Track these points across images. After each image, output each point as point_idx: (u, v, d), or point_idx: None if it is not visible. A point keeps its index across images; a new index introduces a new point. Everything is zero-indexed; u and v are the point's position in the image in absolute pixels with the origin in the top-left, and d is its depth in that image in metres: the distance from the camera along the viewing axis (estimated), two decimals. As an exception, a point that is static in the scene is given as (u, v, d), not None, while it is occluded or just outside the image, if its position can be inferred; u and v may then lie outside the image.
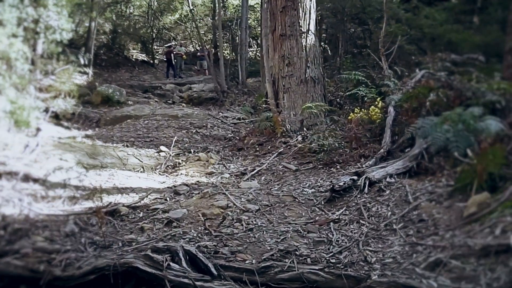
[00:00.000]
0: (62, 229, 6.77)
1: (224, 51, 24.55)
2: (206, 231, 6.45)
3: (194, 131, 13.46)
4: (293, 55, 11.61)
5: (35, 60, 17.78)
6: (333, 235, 6.10)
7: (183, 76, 22.54)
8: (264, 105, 12.48)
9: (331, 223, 6.43)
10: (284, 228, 6.47)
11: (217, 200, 7.44)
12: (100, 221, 6.45)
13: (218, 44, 20.78)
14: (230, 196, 7.56)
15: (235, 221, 6.75)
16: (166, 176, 9.92)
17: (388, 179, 7.26)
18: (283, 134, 10.94)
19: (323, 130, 10.14)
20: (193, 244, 6.02)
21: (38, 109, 14.81)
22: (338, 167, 8.66)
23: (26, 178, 8.50)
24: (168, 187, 9.09)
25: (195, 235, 6.35)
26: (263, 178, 9.16)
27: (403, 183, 7.06)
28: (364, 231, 6.06)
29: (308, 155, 9.58)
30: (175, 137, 12.11)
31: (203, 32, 25.67)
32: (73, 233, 6.61)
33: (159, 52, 25.52)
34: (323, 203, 7.19)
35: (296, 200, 7.42)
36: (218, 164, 10.45)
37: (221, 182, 9.17)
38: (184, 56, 23.00)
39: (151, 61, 24.59)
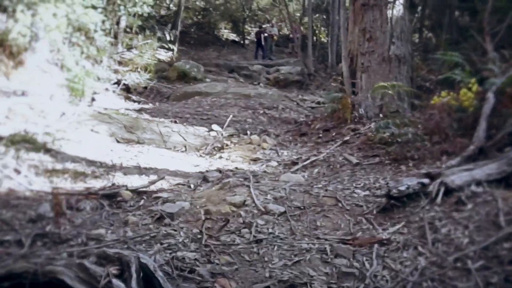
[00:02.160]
0: (33, 211, 5.08)
1: (320, 34, 22.30)
2: (199, 236, 4.44)
3: (261, 112, 11.46)
4: (375, 28, 9.18)
5: (118, 34, 16.70)
6: (371, 265, 3.85)
7: (273, 58, 20.56)
8: (338, 85, 10.20)
9: (376, 245, 4.16)
10: (307, 244, 4.29)
11: (235, 194, 5.38)
12: (56, 207, 4.64)
13: (309, 25, 18.55)
14: (254, 191, 5.47)
15: (244, 225, 4.68)
16: (206, 158, 8.02)
17: (473, 187, 4.78)
18: (355, 120, 8.62)
19: (401, 117, 7.70)
20: (168, 253, 4.04)
21: (108, 81, 13.65)
22: (410, 164, 6.25)
23: (39, 148, 6.97)
24: (199, 172, 7.19)
25: (181, 239, 4.36)
26: (315, 170, 6.97)
27: (494, 195, 4.57)
28: (420, 265, 3.74)
29: (377, 147, 7.21)
30: (231, 116, 10.13)
31: (298, 15, 23.56)
32: (41, 218, 4.87)
33: (251, 34, 23.68)
34: (374, 212, 4.90)
35: (340, 204, 5.18)
36: (270, 149, 8.38)
37: (264, 171, 7.13)
38: (275, 38, 20.98)
39: (241, 42, 22.85)
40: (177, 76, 15.54)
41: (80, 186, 6.20)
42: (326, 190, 5.61)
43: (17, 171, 6.17)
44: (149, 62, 15.48)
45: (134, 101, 12.67)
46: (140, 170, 6.98)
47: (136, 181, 6.57)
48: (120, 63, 15.59)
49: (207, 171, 7.18)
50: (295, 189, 5.67)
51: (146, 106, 11.63)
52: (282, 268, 3.83)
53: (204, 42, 20.83)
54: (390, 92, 7.67)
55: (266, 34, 20.56)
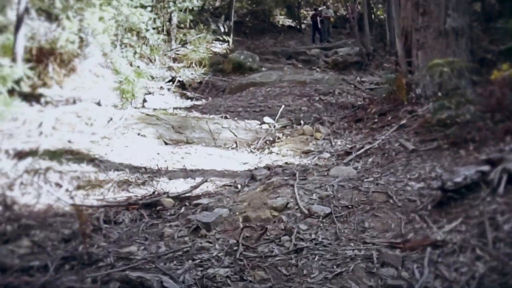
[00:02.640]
0: (68, 229, 4.92)
1: (378, 11, 21.32)
2: (235, 248, 4.09)
3: (317, 98, 10.94)
4: (429, 1, 8.39)
5: (170, 30, 16.61)
6: (422, 274, 3.34)
7: (331, 40, 19.83)
8: (392, 66, 9.50)
9: (428, 248, 3.64)
10: (352, 251, 3.82)
11: (277, 196, 4.97)
12: (81, 227, 4.41)
13: (365, 3, 17.69)
14: (298, 191, 5.03)
15: (284, 232, 4.27)
16: (256, 154, 7.66)
17: (544, 174, 4.16)
18: (412, 101, 7.95)
19: (460, 95, 6.97)
20: (200, 270, 3.71)
21: (163, 79, 13.57)
22: (470, 148, 5.57)
23: (82, 158, 6.86)
24: (247, 170, 6.85)
25: (215, 253, 4.02)
26: (370, 160, 6.42)
27: None
28: (479, 271, 3.20)
29: (435, 130, 6.54)
30: (282, 106, 9.67)
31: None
32: (76, 237, 4.69)
33: (307, 18, 22.95)
34: (429, 207, 4.34)
35: (391, 200, 4.65)
36: (323, 139, 7.89)
37: (315, 165, 6.68)
38: (331, 19, 20.19)
39: (298, 26, 22.20)
40: (232, 68, 15.25)
41: (122, 196, 6.03)
42: (377, 185, 5.08)
43: (59, 185, 6.08)
44: (203, 56, 15.30)
45: (188, 98, 12.50)
46: (186, 173, 6.73)
47: (181, 186, 6.33)
48: (174, 59, 15.52)
49: (255, 168, 6.83)
50: (343, 185, 5.18)
51: (198, 102, 11.40)
52: (321, 283, 3.40)
53: (259, 31, 20.41)
54: (445, 69, 6.95)
55: (322, 17, 19.86)
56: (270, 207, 4.70)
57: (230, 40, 18.17)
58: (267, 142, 8.18)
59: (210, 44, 17.20)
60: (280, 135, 8.33)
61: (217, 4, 21.19)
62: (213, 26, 18.33)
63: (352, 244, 3.97)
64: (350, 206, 4.65)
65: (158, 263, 3.91)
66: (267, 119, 9.09)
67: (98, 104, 9.18)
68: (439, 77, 7.81)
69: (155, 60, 14.32)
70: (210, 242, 4.25)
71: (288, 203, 4.79)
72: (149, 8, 12.96)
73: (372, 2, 20.24)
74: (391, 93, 8.43)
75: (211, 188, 6.23)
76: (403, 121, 7.38)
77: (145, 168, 6.82)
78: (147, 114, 8.72)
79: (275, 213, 4.60)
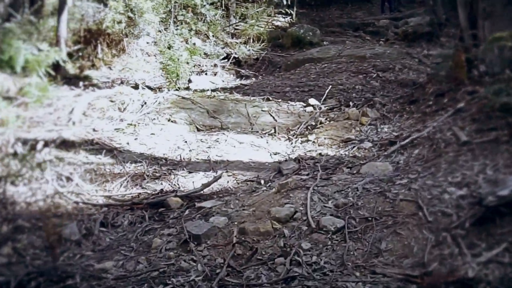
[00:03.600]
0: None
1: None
2: (218, 271, 3.36)
3: (374, 75, 9.85)
4: (499, -41, 7.12)
5: (228, 5, 15.87)
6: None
7: (402, 9, 18.25)
8: (455, 39, 8.25)
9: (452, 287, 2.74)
10: (355, 284, 3.00)
11: (287, 203, 4.18)
12: (49, 238, 3.84)
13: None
14: (312, 196, 4.20)
15: (281, 252, 3.49)
16: (292, 142, 6.84)
17: None
18: (475, 80, 6.77)
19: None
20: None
21: (217, 56, 12.93)
22: (535, 142, 4.51)
23: (101, 149, 6.36)
24: (276, 162, 6.08)
25: (193, 276, 3.32)
26: (415, 152, 5.46)
27: None
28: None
29: (497, 116, 5.43)
30: (329, 87, 8.70)
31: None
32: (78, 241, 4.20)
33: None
34: (467, 225, 3.40)
35: (421, 213, 3.72)
36: (370, 124, 6.92)
37: (353, 156, 5.80)
38: (402, -14, 18.59)
39: (367, -5, 20.68)
40: (291, 43, 14.27)
41: (133, 192, 5.46)
42: (409, 189, 4.13)
43: (70, 179, 5.60)
44: (261, 31, 14.47)
45: (241, 76, 11.76)
46: (210, 165, 6.06)
47: (199, 180, 5.67)
48: (233, 35, 14.81)
49: (286, 160, 6.04)
50: (369, 189, 4.28)
51: (248, 81, 10.62)
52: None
53: (325, 2, 19.09)
54: (510, 44, 5.76)
55: (392, -18, 18.30)
56: (273, 217, 3.92)
57: (293, 12, 17.13)
58: (309, 127, 7.32)
59: (272, 17, 16.31)
60: (323, 119, 7.42)
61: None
62: (274, -1, 17.35)
63: (358, 274, 3.13)
64: (369, 219, 3.78)
65: (128, 284, 3.28)
66: (312, 100, 8.16)
67: (136, 87, 8.66)
68: (509, 50, 6.59)
69: (213, 36, 13.69)
70: (194, 261, 3.56)
71: (296, 212, 3.98)
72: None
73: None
74: (452, 70, 7.28)
75: (231, 183, 5.53)
76: (461, 105, 6.27)
77: (165, 159, 6.21)
78: (183, 97, 8.07)
79: (278, 225, 3.82)
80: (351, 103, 8.01)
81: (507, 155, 4.37)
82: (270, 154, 6.38)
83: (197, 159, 6.27)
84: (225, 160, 6.20)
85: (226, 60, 12.61)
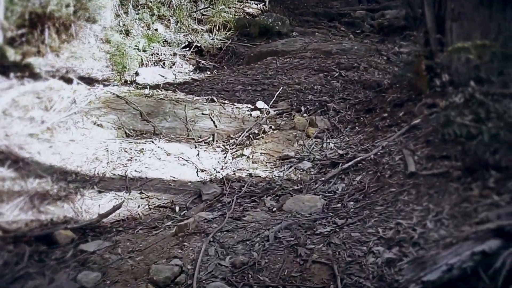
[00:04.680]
0: None
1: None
2: None
3: (336, 74, 8.99)
4: (470, -45, 6.25)
5: (196, -11, 14.84)
6: None
7: (380, 0, 17.38)
8: (419, 41, 7.41)
9: None
10: None
11: (175, 256, 3.35)
12: None
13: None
14: (208, 248, 3.37)
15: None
16: (225, 156, 5.99)
17: None
18: (436, 90, 5.95)
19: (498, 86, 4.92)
20: None
21: (177, 45, 12.00)
22: (491, 180, 3.69)
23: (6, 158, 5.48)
24: (201, 182, 5.26)
25: None
26: (357, 179, 4.67)
27: None
28: None
29: (454, 140, 4.61)
30: (280, 88, 7.84)
31: None
32: None
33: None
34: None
35: (336, 280, 2.92)
36: (316, 137, 6.09)
37: (286, 179, 5.00)
38: (381, -25, 17.65)
39: (344, -16, 19.73)
40: (258, 32, 13.32)
41: (26, 218, 4.61)
42: (329, 245, 3.32)
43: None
44: (229, 18, 13.50)
45: (199, 68, 10.85)
46: (125, 183, 5.22)
47: (108, 204, 4.84)
48: (200, 21, 13.85)
49: (210, 181, 5.21)
50: (281, 240, 3.45)
51: (200, 76, 9.72)
52: None
53: (301, -12, 18.22)
54: (471, 56, 4.93)
55: (371, -29, 17.39)
56: (151, 279, 3.09)
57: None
58: (251, 135, 6.49)
59: (244, 3, 15.33)
60: (268, 127, 6.58)
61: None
62: (243, -16, 16.33)
63: None
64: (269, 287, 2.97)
65: None
66: (260, 104, 7.30)
67: (68, 81, 7.73)
68: (478, 58, 5.76)
69: (176, 22, 12.73)
70: None
71: (181, 272, 3.15)
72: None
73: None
74: (410, 79, 6.49)
75: (141, 209, 4.72)
76: (416, 121, 5.48)
77: (76, 173, 5.35)
78: (118, 96, 7.16)
79: (149, 293, 3.00)
80: (303, 108, 7.19)
81: (455, 198, 3.57)
82: (197, 171, 5.53)
83: (113, 174, 5.42)
84: (144, 177, 5.35)
85: (188, 49, 11.68)
